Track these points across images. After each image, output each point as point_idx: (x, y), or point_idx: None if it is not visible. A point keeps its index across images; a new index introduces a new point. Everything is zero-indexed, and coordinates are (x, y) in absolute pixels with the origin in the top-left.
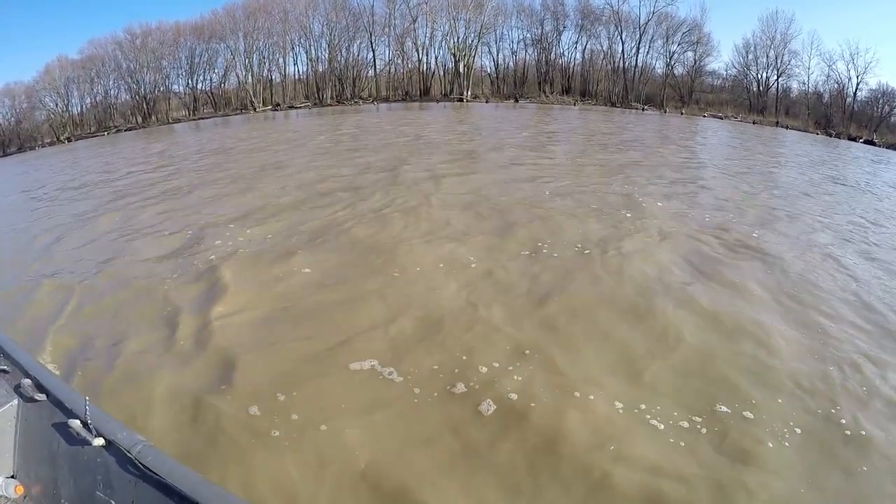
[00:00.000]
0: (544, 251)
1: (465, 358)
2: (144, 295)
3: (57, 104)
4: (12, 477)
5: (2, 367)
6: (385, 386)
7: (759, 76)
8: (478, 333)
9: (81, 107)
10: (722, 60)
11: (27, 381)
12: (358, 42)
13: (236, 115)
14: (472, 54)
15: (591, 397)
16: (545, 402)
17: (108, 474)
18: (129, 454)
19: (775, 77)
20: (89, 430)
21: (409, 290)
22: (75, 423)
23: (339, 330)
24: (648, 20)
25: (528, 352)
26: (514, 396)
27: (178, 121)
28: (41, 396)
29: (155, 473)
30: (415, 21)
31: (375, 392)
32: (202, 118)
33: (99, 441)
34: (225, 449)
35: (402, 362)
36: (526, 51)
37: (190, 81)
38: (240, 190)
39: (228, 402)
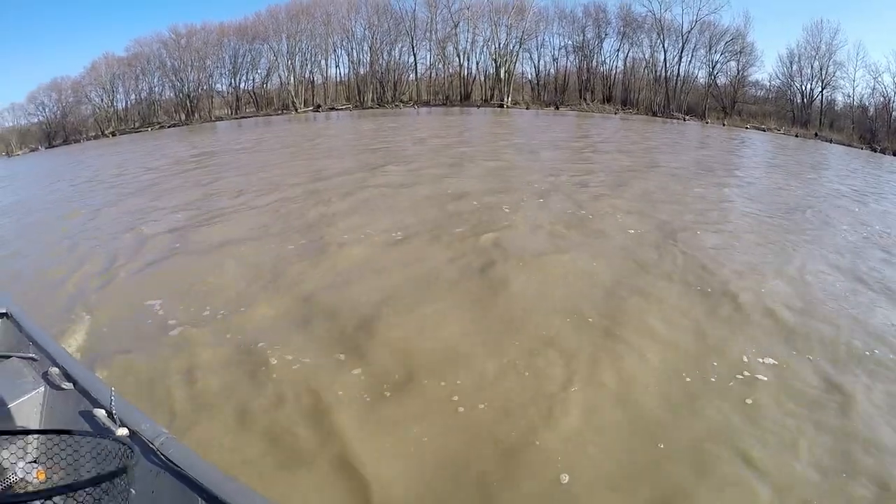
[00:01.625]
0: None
1: None
2: None
3: (102, 99)
4: (35, 462)
5: (30, 354)
6: None
7: (803, 88)
8: None
9: (126, 102)
10: (765, 71)
11: (55, 370)
12: (399, 46)
13: (277, 115)
14: (514, 60)
15: None
16: None
17: (131, 464)
18: (151, 445)
19: (819, 89)
20: (113, 419)
21: None
22: (100, 413)
23: None
24: (691, 28)
25: None
26: None
27: (220, 119)
28: (68, 385)
29: (176, 465)
30: (456, 26)
31: None
32: (244, 117)
33: (123, 431)
34: None
35: None
36: (567, 58)
37: (233, 81)
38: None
39: None
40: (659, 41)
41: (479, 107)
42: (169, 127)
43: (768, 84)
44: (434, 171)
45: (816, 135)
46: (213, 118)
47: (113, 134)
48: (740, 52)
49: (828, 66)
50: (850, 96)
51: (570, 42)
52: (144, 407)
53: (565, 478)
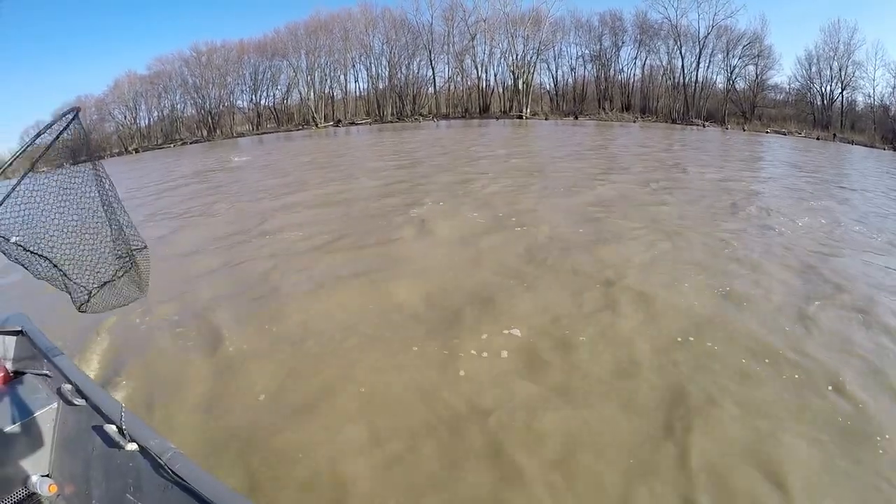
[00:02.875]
0: None
1: None
2: None
3: (125, 116)
4: (47, 476)
5: (45, 371)
6: None
7: (823, 89)
8: None
9: (149, 120)
10: (784, 74)
11: (68, 387)
12: (417, 59)
13: (298, 130)
14: (531, 71)
15: None
16: None
17: (139, 478)
18: (159, 460)
19: (840, 90)
20: (123, 435)
21: None
22: (111, 429)
23: None
24: (708, 34)
25: None
26: None
27: (241, 135)
28: (80, 401)
29: (183, 480)
30: (473, 39)
31: None
32: (265, 133)
33: (132, 446)
34: None
35: None
36: (585, 67)
37: (254, 97)
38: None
39: None
40: (676, 47)
41: (497, 118)
42: (192, 143)
43: (787, 87)
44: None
45: (835, 136)
46: (234, 134)
47: (136, 151)
48: (758, 56)
49: (847, 67)
50: (870, 96)
51: (587, 51)
52: None
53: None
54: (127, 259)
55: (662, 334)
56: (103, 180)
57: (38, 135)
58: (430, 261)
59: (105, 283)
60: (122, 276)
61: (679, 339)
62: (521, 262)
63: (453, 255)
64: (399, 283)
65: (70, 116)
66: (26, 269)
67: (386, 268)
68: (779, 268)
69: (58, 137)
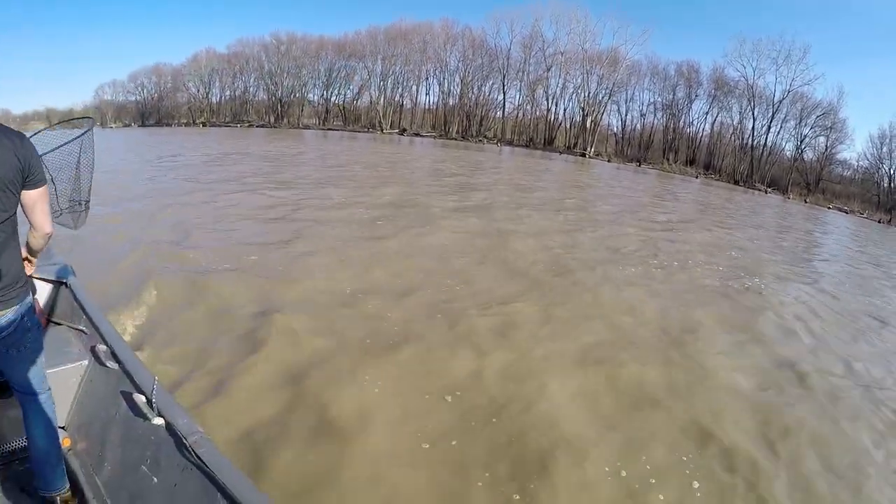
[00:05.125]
0: None
1: None
2: None
3: (199, 90)
4: (62, 428)
5: (81, 327)
6: None
7: (892, 172)
8: None
9: (220, 97)
10: (854, 150)
11: (102, 347)
12: (490, 82)
13: (363, 132)
14: (601, 111)
15: None
16: None
17: (159, 454)
18: (184, 440)
19: None
20: (152, 407)
21: None
22: (139, 398)
23: None
24: (783, 98)
25: None
26: None
27: (307, 127)
28: (113, 364)
29: (205, 464)
30: (548, 70)
31: None
32: (331, 129)
33: (159, 421)
34: None
35: None
36: (654, 115)
37: (325, 93)
38: None
39: None
40: (749, 108)
41: (560, 153)
42: (258, 126)
43: (856, 164)
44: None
45: (890, 220)
46: (301, 125)
47: (204, 124)
48: (831, 128)
49: None
50: None
51: (659, 98)
52: None
53: None
54: (77, 204)
55: None
56: (87, 150)
57: (61, 122)
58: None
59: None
60: (68, 213)
61: None
62: None
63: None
64: None
65: (86, 128)
66: None
67: None
68: None
69: (73, 140)
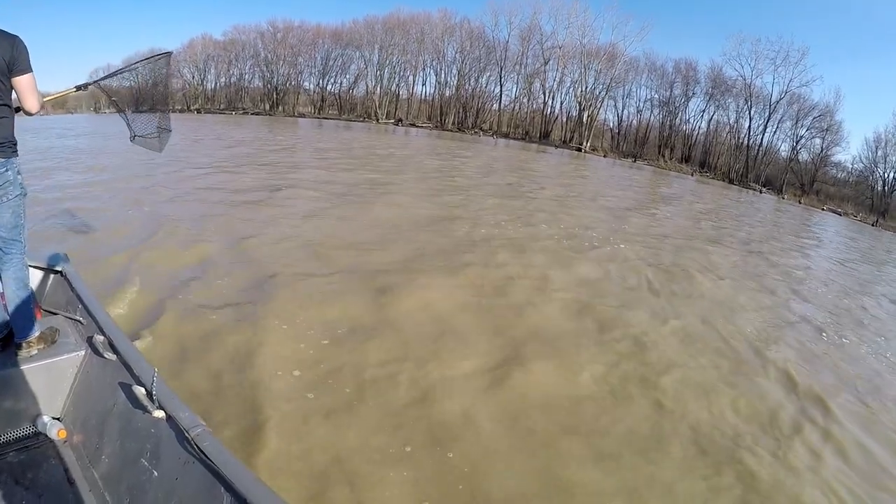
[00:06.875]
0: None
1: None
2: None
3: (194, 76)
4: (58, 419)
5: (77, 317)
6: None
7: (886, 176)
8: None
9: (216, 84)
10: (850, 153)
11: (100, 338)
12: (487, 74)
13: (359, 121)
14: (598, 106)
15: None
16: None
17: (159, 447)
18: (186, 433)
19: None
20: (152, 399)
21: None
22: (139, 390)
23: None
24: (780, 99)
25: None
26: None
27: (302, 115)
28: (111, 355)
29: (208, 458)
30: (546, 63)
31: None
32: (326, 118)
33: (159, 413)
34: None
35: None
36: (651, 111)
37: (321, 82)
38: None
39: None
40: (745, 107)
41: (556, 147)
42: (252, 114)
43: (850, 167)
44: None
45: (877, 222)
46: (295, 114)
47: (198, 111)
48: (826, 130)
49: None
50: None
51: (656, 95)
52: None
53: None
54: (163, 129)
55: None
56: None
57: (147, 60)
58: None
59: (146, 135)
60: (157, 136)
61: None
62: None
63: None
64: None
65: (164, 54)
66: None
67: None
68: None
69: (160, 58)
